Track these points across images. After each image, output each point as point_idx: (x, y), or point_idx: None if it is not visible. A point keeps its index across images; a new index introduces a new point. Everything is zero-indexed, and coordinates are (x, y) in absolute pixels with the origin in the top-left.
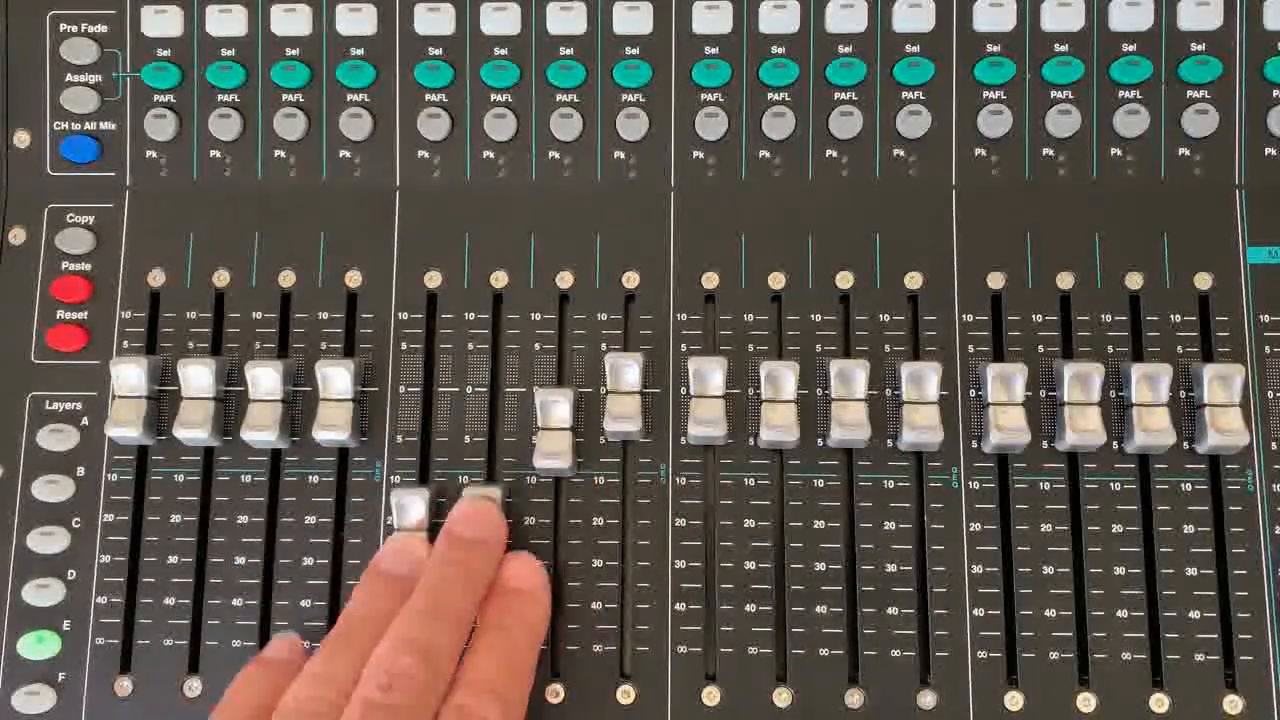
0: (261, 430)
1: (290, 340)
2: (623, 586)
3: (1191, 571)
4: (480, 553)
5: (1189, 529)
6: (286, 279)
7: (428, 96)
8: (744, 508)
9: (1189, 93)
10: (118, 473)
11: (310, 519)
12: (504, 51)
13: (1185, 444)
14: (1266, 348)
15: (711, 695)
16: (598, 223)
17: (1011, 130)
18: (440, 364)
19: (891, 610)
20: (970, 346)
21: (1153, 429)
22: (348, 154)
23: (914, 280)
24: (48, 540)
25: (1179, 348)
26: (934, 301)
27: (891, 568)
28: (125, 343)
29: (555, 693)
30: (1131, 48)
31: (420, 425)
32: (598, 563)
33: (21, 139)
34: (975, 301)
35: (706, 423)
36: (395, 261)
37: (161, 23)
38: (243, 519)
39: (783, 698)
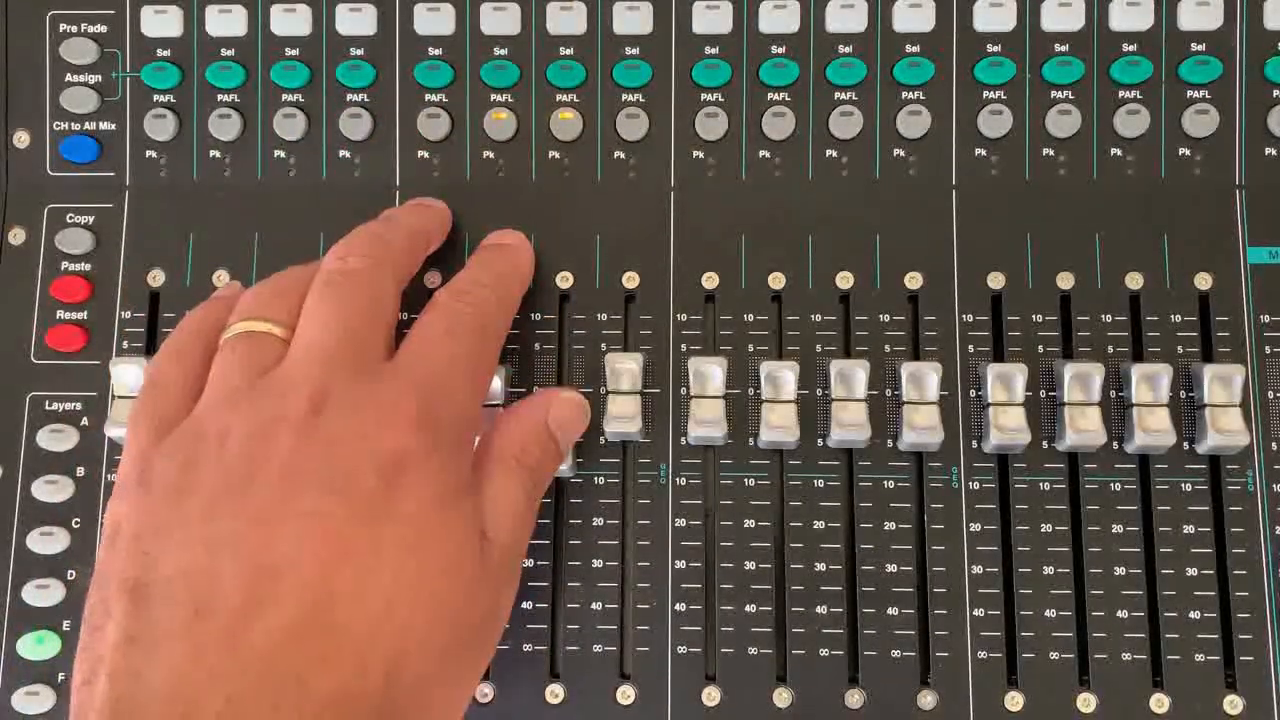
0: None
1: None
2: (623, 586)
3: (1192, 572)
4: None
5: (1189, 529)
6: None
7: (428, 96)
8: (744, 508)
9: (1189, 93)
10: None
11: None
12: (504, 51)
13: (1185, 444)
14: (1267, 348)
15: (711, 695)
16: (598, 223)
17: (1011, 130)
18: None
19: (891, 610)
20: (970, 346)
21: (1153, 429)
22: (347, 154)
23: (914, 280)
24: (48, 540)
25: (1179, 348)
26: (934, 301)
27: (891, 568)
28: (125, 343)
29: (555, 693)
30: (1132, 48)
31: None
32: (598, 563)
33: (21, 139)
34: (975, 301)
35: (706, 423)
36: None
37: (161, 23)
38: None
39: (783, 698)
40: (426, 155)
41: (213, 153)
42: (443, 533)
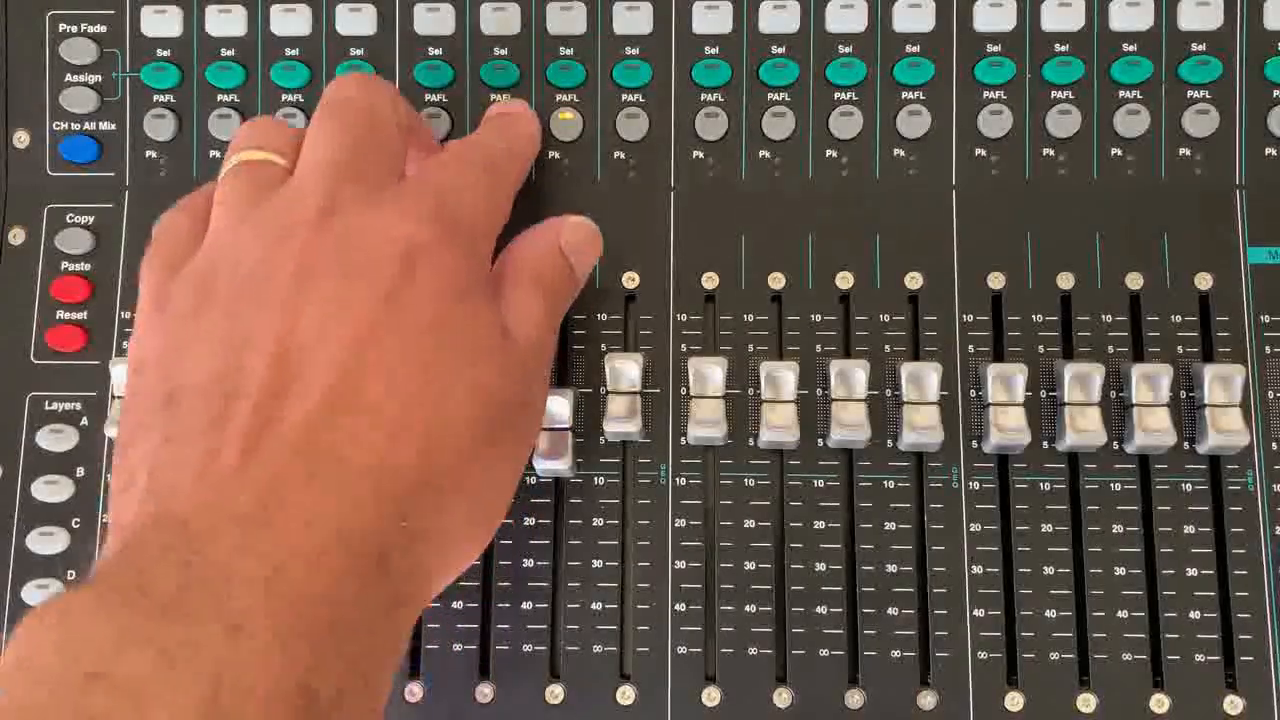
0: None
1: None
2: (623, 586)
3: (1192, 572)
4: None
5: (1189, 529)
6: None
7: (428, 96)
8: (744, 508)
9: (1189, 93)
10: None
11: None
12: (504, 51)
13: (1185, 444)
14: (1267, 348)
15: (711, 695)
16: (597, 223)
17: (1011, 130)
18: None
19: (891, 610)
20: (970, 346)
21: (1153, 429)
22: None
23: (914, 280)
24: (48, 540)
25: (1179, 348)
26: (934, 301)
27: (891, 568)
28: (125, 343)
29: (555, 693)
30: (1132, 48)
31: None
32: (598, 563)
33: (21, 139)
34: (975, 301)
35: (706, 423)
36: None
37: (161, 23)
38: None
39: (783, 698)
40: None
41: (213, 153)
42: (465, 319)
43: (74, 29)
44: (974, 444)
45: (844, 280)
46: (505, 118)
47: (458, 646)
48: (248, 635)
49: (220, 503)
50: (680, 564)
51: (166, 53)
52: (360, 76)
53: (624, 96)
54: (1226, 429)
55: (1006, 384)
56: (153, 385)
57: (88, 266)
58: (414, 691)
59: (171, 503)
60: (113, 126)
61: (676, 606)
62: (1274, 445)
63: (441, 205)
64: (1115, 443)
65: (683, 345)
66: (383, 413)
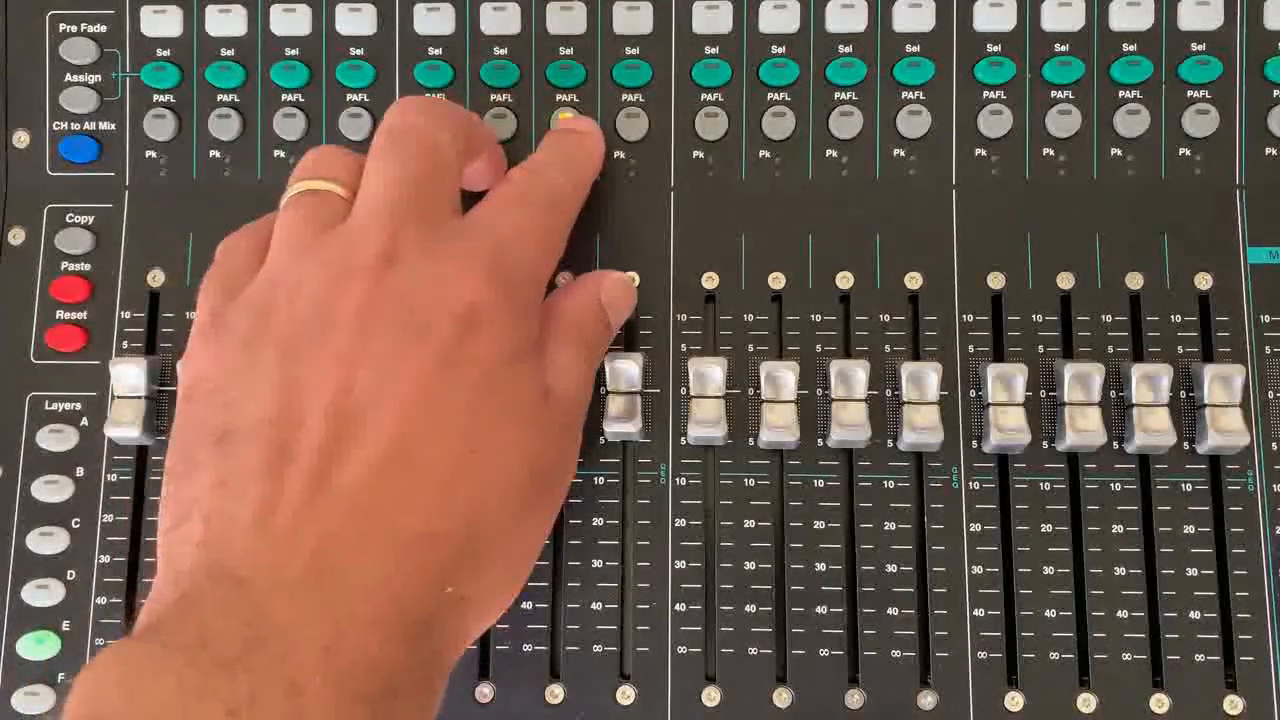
0: None
1: None
2: (623, 586)
3: (1192, 572)
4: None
5: (1189, 529)
6: None
7: (428, 96)
8: (744, 508)
9: (1189, 93)
10: (117, 473)
11: None
12: (504, 51)
13: (1185, 444)
14: (1267, 348)
15: (711, 695)
16: (597, 222)
17: (1011, 130)
18: None
19: (891, 610)
20: (970, 346)
21: (1153, 429)
22: None
23: (914, 280)
24: (47, 540)
25: (1179, 348)
26: (934, 301)
27: (891, 568)
28: (125, 343)
29: (555, 693)
30: (1132, 48)
31: None
32: (598, 563)
33: (21, 139)
34: (975, 301)
35: (706, 423)
36: None
37: (161, 23)
38: None
39: (783, 698)
40: None
41: (213, 153)
42: (514, 383)
43: (74, 29)
44: (974, 444)
45: (844, 280)
46: (571, 135)
47: None
48: (309, 697)
49: (277, 562)
50: (680, 564)
51: (166, 53)
52: (424, 102)
53: (624, 96)
54: (1226, 429)
55: (1006, 384)
56: (205, 416)
57: (88, 266)
58: None
59: (228, 557)
60: (113, 126)
61: (676, 606)
62: (1274, 445)
63: (501, 258)
64: (1115, 443)
65: (683, 345)
66: (432, 478)
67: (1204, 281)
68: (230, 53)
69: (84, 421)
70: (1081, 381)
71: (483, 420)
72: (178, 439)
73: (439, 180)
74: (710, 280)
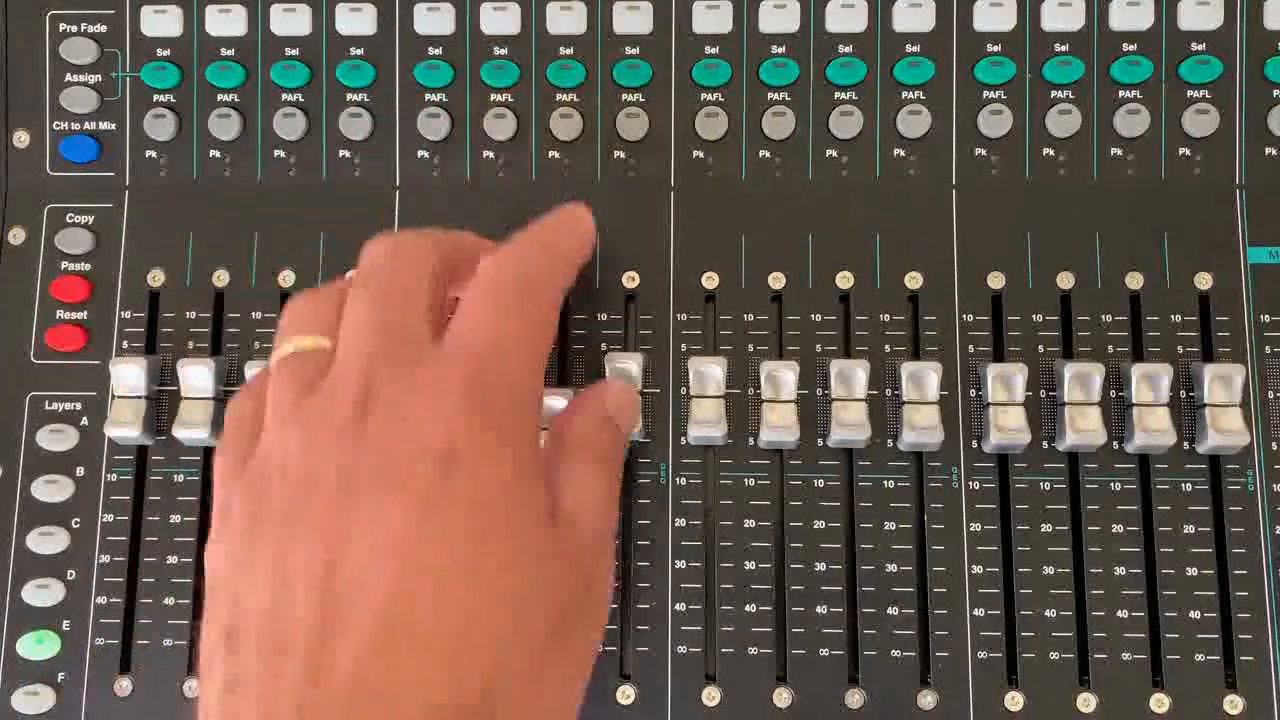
0: None
1: None
2: (623, 586)
3: (1191, 571)
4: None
5: (1189, 529)
6: (286, 279)
7: (427, 96)
8: (744, 508)
9: (1189, 93)
10: (117, 473)
11: None
12: (504, 51)
13: (1185, 444)
14: (1267, 348)
15: (711, 695)
16: (597, 223)
17: (1011, 130)
18: None
19: (891, 610)
20: (970, 346)
21: (1153, 429)
22: (347, 154)
23: (914, 280)
24: (47, 540)
25: (1179, 348)
26: (934, 301)
27: (891, 568)
28: (125, 343)
29: None
30: (1132, 48)
31: None
32: None
33: (21, 139)
34: (975, 301)
35: (706, 423)
36: None
37: (161, 23)
38: None
39: (783, 698)
40: (426, 155)
41: (213, 152)
42: (511, 511)
43: (74, 29)
44: (974, 444)
45: (844, 280)
46: (550, 215)
47: None
48: None
49: None
50: (680, 564)
51: (166, 52)
52: (388, 242)
53: (624, 96)
54: (1226, 429)
55: (1006, 384)
56: (217, 614)
57: (88, 266)
58: None
59: None
60: (113, 126)
61: (676, 606)
62: (1274, 445)
63: (477, 378)
64: (1115, 443)
65: (683, 345)
66: (433, 647)
67: (1204, 281)
68: (230, 53)
69: (84, 421)
70: (1081, 381)
71: (483, 574)
72: (202, 636)
73: (410, 313)
74: (710, 280)
